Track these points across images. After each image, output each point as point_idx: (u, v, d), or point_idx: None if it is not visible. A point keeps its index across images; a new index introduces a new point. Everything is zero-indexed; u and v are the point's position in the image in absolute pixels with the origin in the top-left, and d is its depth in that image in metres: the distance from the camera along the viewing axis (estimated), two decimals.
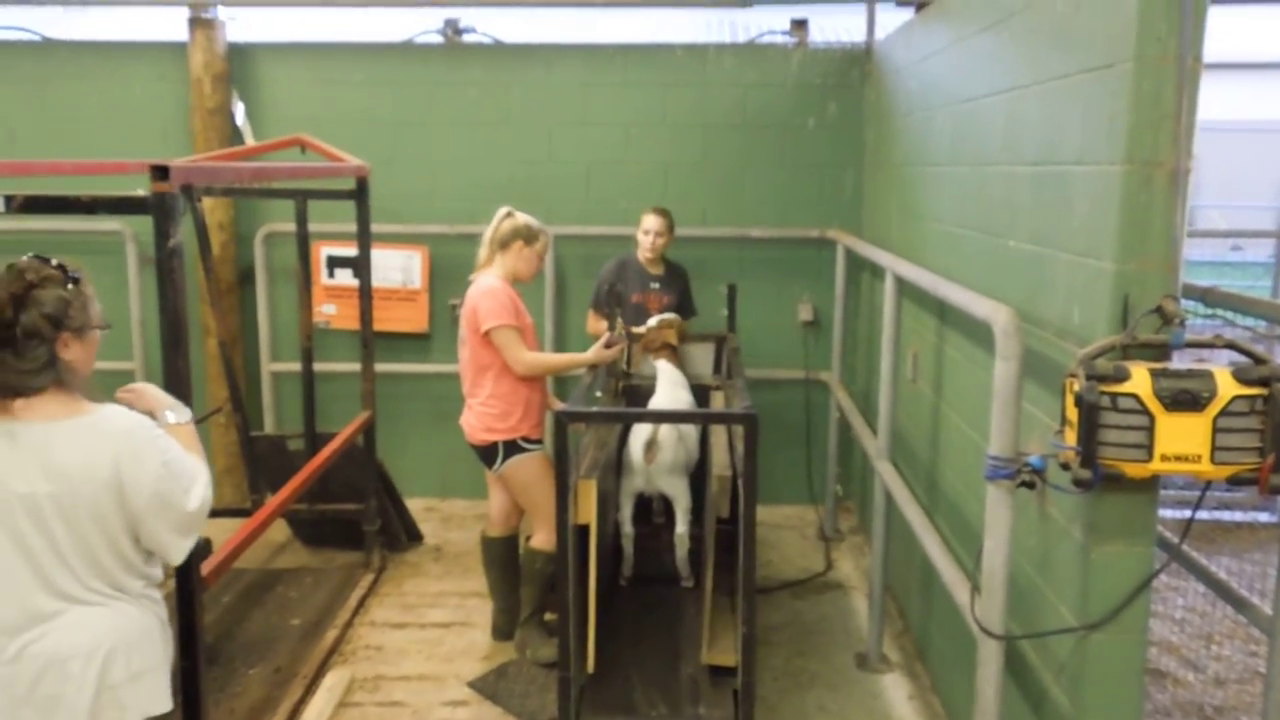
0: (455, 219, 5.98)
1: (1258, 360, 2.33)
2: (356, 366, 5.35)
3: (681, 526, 4.17)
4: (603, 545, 3.71)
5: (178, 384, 2.86)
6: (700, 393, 4.80)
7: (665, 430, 4.10)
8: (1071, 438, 2.38)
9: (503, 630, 4.54)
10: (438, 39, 6.04)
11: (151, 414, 2.49)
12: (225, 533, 3.66)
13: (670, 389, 4.49)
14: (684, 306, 5.35)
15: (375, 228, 5.18)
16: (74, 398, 2.29)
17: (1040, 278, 2.90)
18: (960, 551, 3.56)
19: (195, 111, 5.87)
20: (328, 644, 4.45)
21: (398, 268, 6.15)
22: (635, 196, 5.84)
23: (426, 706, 4.03)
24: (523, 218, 4.27)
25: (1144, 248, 2.40)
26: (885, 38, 5.58)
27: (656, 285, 5.29)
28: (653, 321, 4.78)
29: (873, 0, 5.69)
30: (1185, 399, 2.26)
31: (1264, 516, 5.89)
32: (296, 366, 5.58)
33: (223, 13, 5.85)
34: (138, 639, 2.35)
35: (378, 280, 5.79)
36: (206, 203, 5.33)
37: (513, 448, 4.18)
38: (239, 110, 5.99)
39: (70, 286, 2.29)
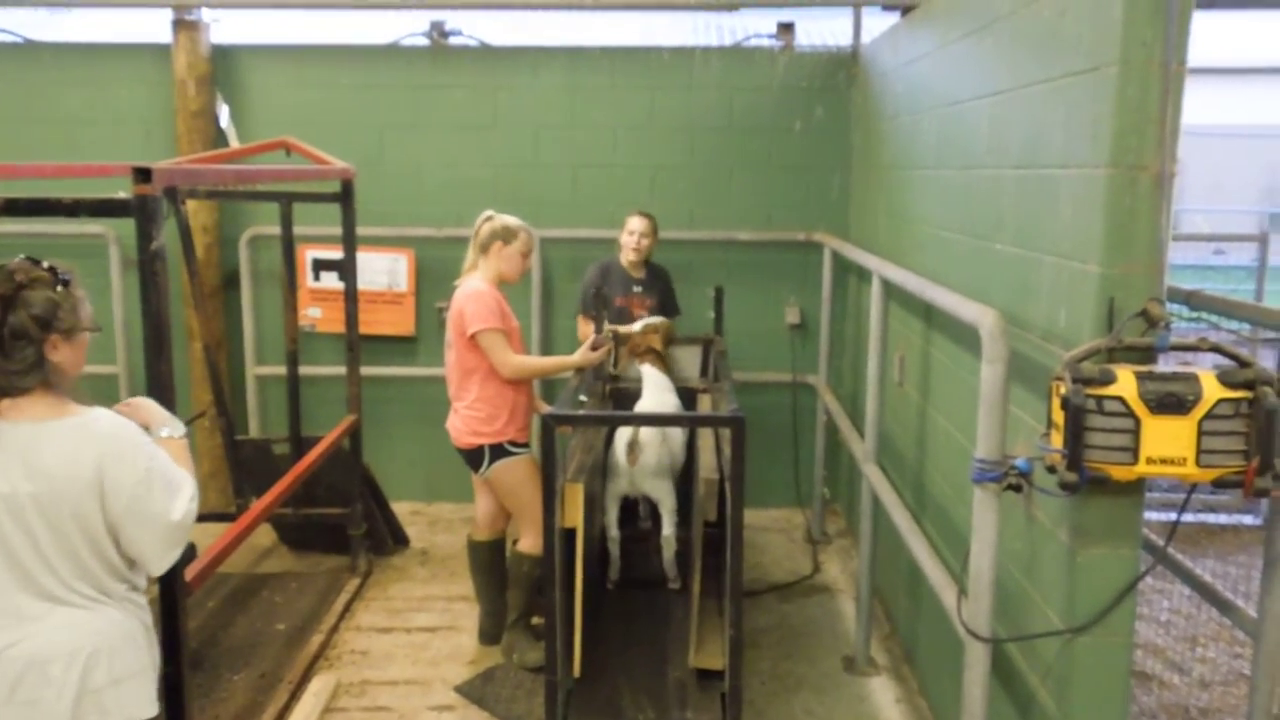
0: (441, 222, 5.97)
1: (1242, 363, 2.34)
2: (342, 370, 5.33)
3: (668, 528, 4.17)
4: (589, 549, 3.70)
5: (161, 388, 2.84)
6: (687, 396, 4.80)
7: (647, 432, 4.10)
8: (1057, 440, 2.38)
9: (489, 634, 4.52)
10: (424, 41, 6.02)
11: (146, 427, 2.48)
12: (209, 537, 3.63)
13: (656, 393, 4.49)
14: (668, 306, 5.36)
15: (361, 231, 5.17)
16: (61, 399, 2.29)
17: (1026, 281, 2.91)
18: (947, 554, 3.57)
19: (179, 114, 5.83)
20: (313, 649, 4.42)
21: (383, 271, 6.12)
22: (622, 199, 5.83)
23: (412, 711, 4.01)
24: (501, 219, 4.26)
25: (1129, 251, 2.41)
26: (871, 41, 5.60)
27: (639, 288, 5.30)
28: (638, 326, 4.78)
29: (859, 4, 5.70)
30: (1170, 402, 2.27)
31: (1248, 519, 5.92)
32: (281, 370, 5.56)
33: (207, 14, 5.81)
34: (121, 643, 2.34)
35: (363, 283, 5.76)
36: (191, 206, 5.30)
37: (499, 451, 4.17)
38: (223, 112, 5.95)
39: (60, 289, 2.29)
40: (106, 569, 2.32)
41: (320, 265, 6.11)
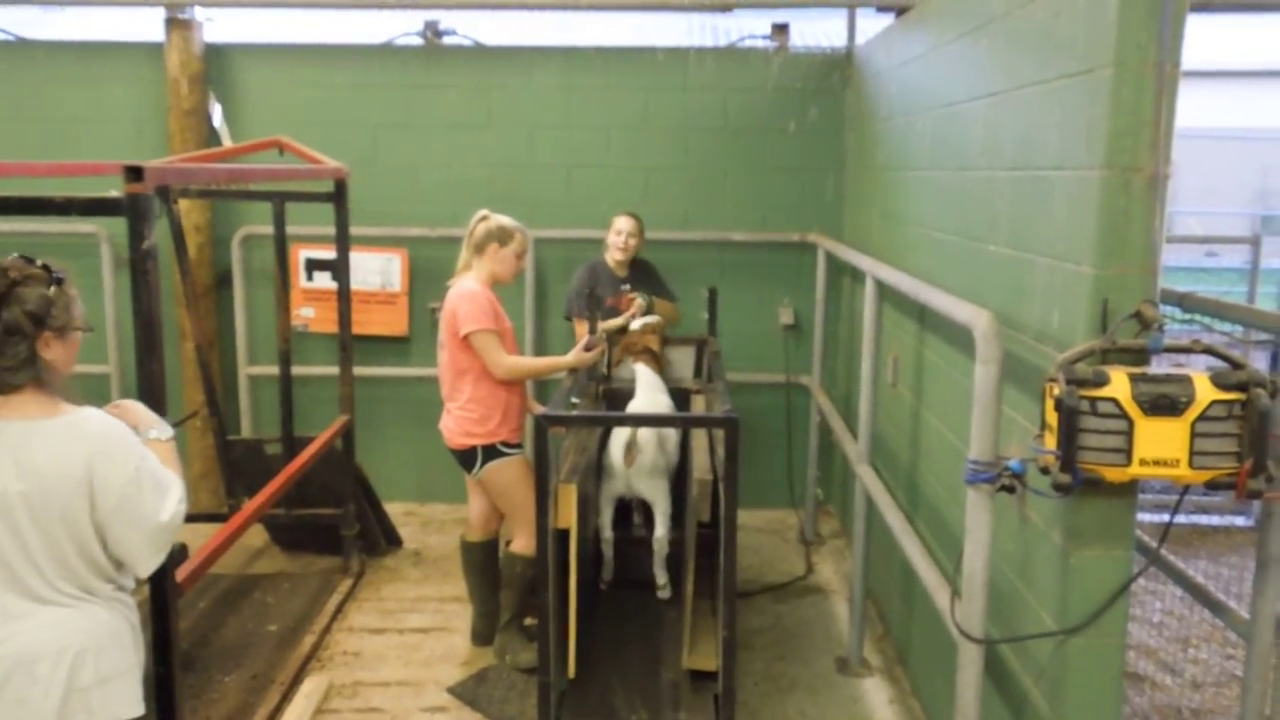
0: (435, 222, 5.96)
1: (1235, 365, 2.34)
2: (335, 370, 5.31)
3: (661, 530, 4.16)
4: (583, 550, 3.69)
5: (153, 388, 2.83)
6: (681, 396, 4.80)
7: (645, 432, 4.09)
8: (1051, 442, 2.38)
9: (482, 635, 4.51)
10: (418, 41, 6.01)
11: (134, 429, 2.48)
12: (201, 538, 3.62)
13: (649, 393, 4.48)
14: (663, 295, 5.38)
15: (354, 230, 5.16)
16: (51, 398, 2.29)
17: (1020, 282, 2.91)
18: (940, 555, 3.57)
19: (172, 113, 5.82)
20: (305, 650, 4.41)
21: (377, 270, 6.11)
22: (616, 200, 5.82)
23: (405, 712, 4.00)
24: (497, 219, 4.25)
25: (1123, 253, 2.41)
26: (866, 43, 5.60)
27: (627, 287, 5.31)
28: (636, 324, 4.78)
29: (853, 5, 5.71)
30: (1164, 404, 2.27)
31: (1240, 521, 5.94)
32: (274, 370, 5.54)
33: (200, 13, 5.80)
34: (107, 642, 2.34)
35: (357, 283, 5.76)
36: (183, 205, 5.29)
37: (492, 452, 4.16)
38: (216, 111, 5.94)
39: (54, 288, 2.29)
40: (93, 569, 2.32)
41: (313, 265, 6.10)
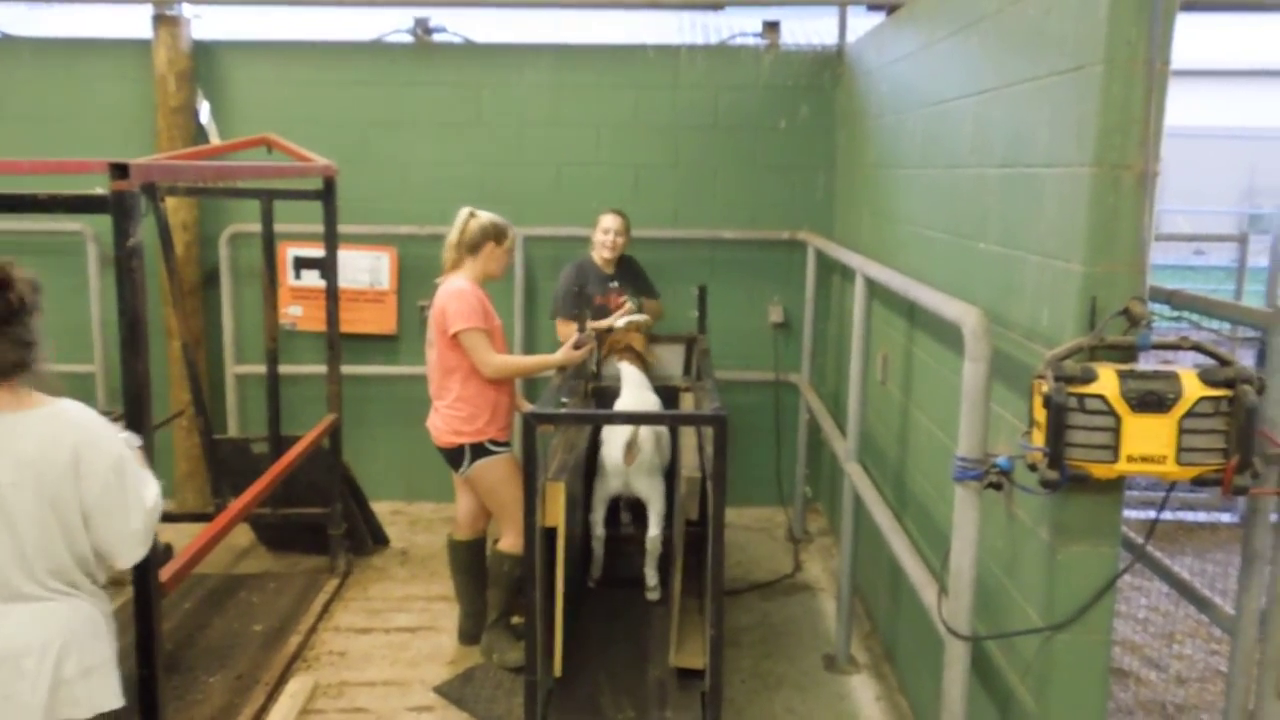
0: (424, 220, 5.93)
1: (1222, 362, 2.34)
2: (322, 369, 5.30)
3: (654, 529, 4.15)
4: (570, 548, 3.68)
5: (138, 387, 2.81)
6: (669, 394, 4.79)
7: (644, 431, 4.09)
8: (1039, 439, 2.38)
9: (469, 634, 4.50)
10: (407, 38, 5.99)
11: None
12: (186, 537, 3.60)
13: (635, 391, 4.48)
14: (648, 292, 5.39)
15: (343, 228, 5.14)
16: (29, 393, 2.32)
17: (1009, 279, 2.91)
18: (928, 552, 3.57)
19: (159, 110, 5.79)
20: (291, 650, 4.38)
21: (365, 269, 6.09)
22: (606, 197, 5.81)
23: (391, 712, 3.98)
24: (486, 216, 4.24)
25: (1112, 250, 2.41)
26: (856, 41, 5.60)
27: (614, 284, 5.31)
28: (620, 323, 4.77)
29: (844, 3, 5.71)
30: (1151, 400, 2.27)
31: (1225, 517, 5.96)
32: (261, 369, 5.52)
33: (187, 10, 5.76)
34: (89, 634, 2.36)
35: (345, 281, 5.74)
36: (170, 203, 5.26)
37: (480, 450, 4.15)
38: (203, 109, 5.90)
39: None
40: (77, 561, 2.34)
41: (301, 263, 6.07)
